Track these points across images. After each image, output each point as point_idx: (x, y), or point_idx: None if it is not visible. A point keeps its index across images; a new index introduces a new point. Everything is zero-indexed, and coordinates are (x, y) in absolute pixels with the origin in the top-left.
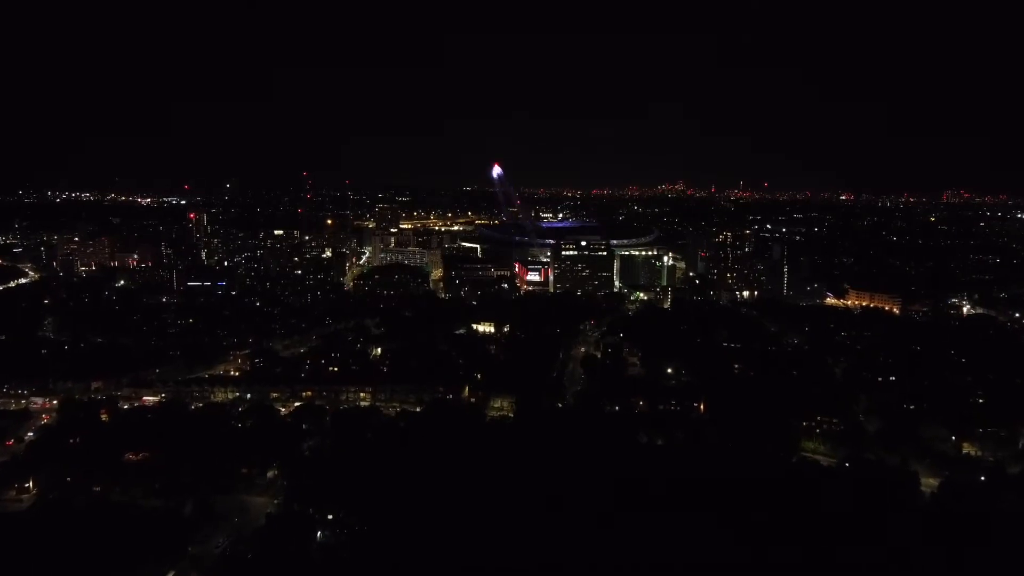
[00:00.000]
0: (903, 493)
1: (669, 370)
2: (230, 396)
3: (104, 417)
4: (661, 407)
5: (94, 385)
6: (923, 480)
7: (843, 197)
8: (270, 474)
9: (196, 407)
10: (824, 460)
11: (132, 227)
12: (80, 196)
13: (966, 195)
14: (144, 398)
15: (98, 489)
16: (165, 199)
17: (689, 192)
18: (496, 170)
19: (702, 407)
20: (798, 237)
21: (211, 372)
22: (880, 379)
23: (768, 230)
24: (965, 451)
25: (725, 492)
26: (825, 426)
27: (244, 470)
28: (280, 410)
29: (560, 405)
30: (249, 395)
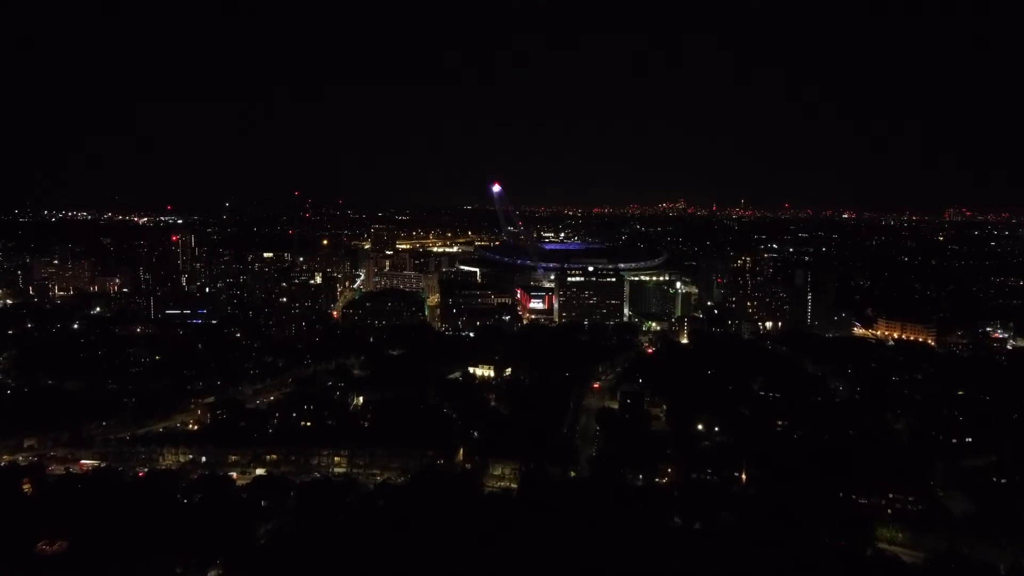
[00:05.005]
0: None
1: (700, 426)
2: (181, 459)
3: (27, 487)
4: (694, 475)
5: (27, 443)
6: None
7: (845, 215)
8: (212, 574)
9: (141, 472)
10: (905, 554)
11: (122, 248)
12: (77, 215)
13: (968, 213)
14: (81, 461)
15: None
16: (162, 219)
17: (690, 210)
18: (496, 188)
19: (743, 476)
20: (807, 258)
21: (166, 424)
22: (954, 440)
23: (774, 250)
24: None
25: None
26: (898, 505)
27: (179, 569)
28: (239, 480)
29: (573, 474)
30: (204, 457)
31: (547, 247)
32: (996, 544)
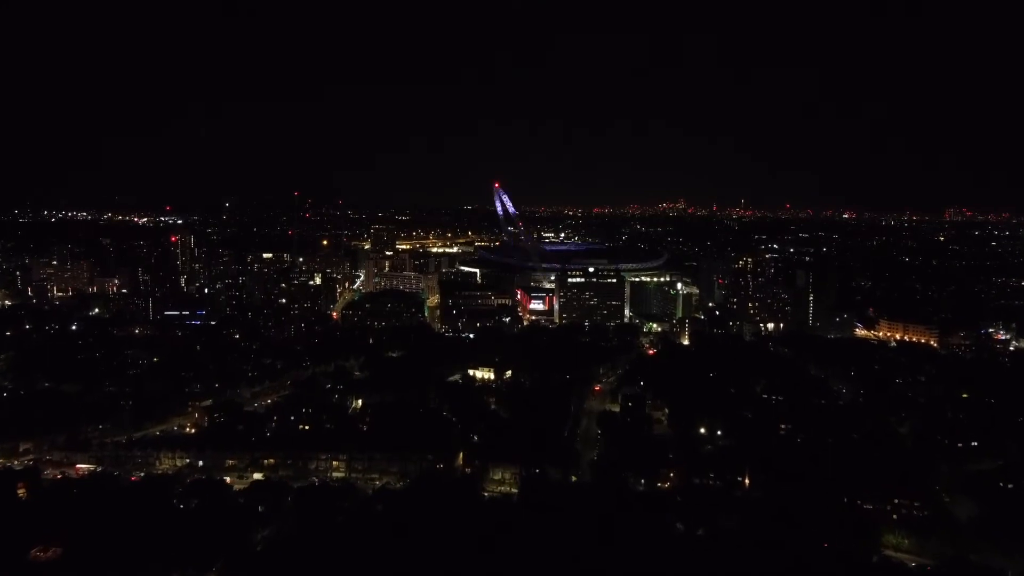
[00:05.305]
0: None
1: (702, 429)
2: (178, 463)
3: (22, 493)
4: (697, 479)
5: (23, 447)
6: None
7: (845, 215)
8: None
9: (136, 477)
10: (911, 560)
11: (121, 249)
12: (76, 215)
13: (968, 213)
14: (77, 466)
15: None
16: (162, 219)
17: (690, 211)
18: (497, 189)
19: (746, 480)
20: (807, 258)
21: (164, 427)
22: (960, 444)
23: (775, 250)
24: None
25: None
26: (904, 511)
27: None
28: (235, 485)
29: (574, 478)
30: (201, 462)
31: (547, 247)
32: (1003, 550)
